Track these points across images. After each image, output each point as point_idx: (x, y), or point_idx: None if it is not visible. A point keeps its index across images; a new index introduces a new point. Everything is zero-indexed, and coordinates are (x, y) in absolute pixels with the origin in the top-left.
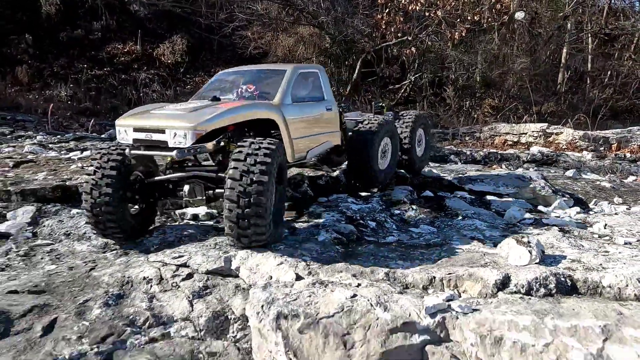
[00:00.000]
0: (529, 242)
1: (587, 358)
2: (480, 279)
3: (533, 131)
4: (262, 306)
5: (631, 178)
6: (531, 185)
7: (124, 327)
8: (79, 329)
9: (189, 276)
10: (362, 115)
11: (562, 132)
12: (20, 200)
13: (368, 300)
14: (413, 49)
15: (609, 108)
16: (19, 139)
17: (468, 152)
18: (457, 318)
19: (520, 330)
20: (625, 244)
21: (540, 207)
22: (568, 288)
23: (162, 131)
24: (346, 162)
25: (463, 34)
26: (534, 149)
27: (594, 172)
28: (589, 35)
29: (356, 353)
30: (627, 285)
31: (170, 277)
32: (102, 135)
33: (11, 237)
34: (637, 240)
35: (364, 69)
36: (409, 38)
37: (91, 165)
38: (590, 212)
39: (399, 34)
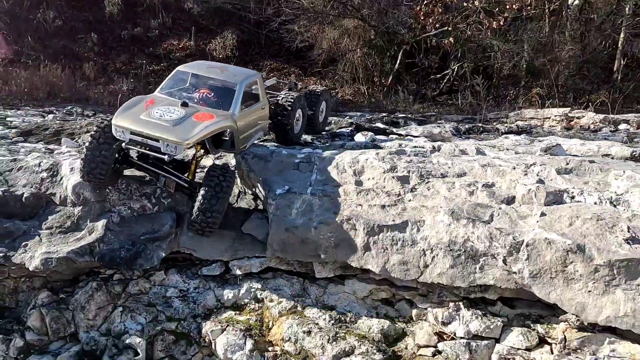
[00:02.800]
0: (367, 134)
1: (351, 161)
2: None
3: (555, 115)
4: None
5: None
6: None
7: None
8: None
9: None
10: (279, 84)
11: (583, 116)
12: None
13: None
14: (451, 39)
15: None
16: None
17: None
18: (315, 155)
19: (335, 155)
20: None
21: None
22: (371, 147)
23: (157, 140)
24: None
25: (501, 23)
26: (515, 124)
27: None
28: None
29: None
30: (392, 147)
31: None
32: None
33: None
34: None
35: (407, 59)
36: (449, 29)
37: (96, 131)
38: None
39: (437, 25)
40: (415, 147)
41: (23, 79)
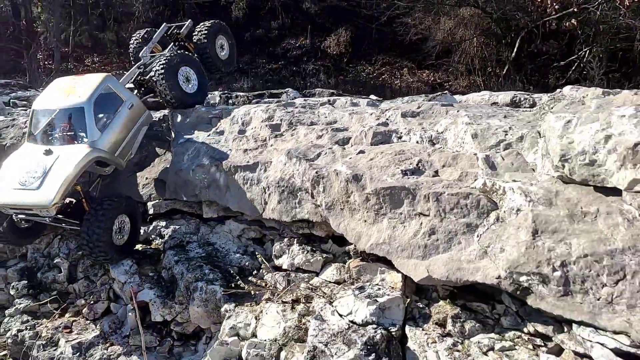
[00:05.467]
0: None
1: (244, 113)
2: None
3: None
4: None
5: None
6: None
7: None
8: None
9: None
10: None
11: None
12: None
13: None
14: (574, 21)
15: None
16: None
17: None
18: (225, 110)
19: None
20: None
21: None
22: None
23: (30, 208)
24: None
25: None
26: None
27: None
28: None
29: None
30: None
31: None
32: None
33: None
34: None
35: (528, 47)
36: (574, 10)
37: None
38: None
39: (556, 7)
40: (313, 101)
41: None
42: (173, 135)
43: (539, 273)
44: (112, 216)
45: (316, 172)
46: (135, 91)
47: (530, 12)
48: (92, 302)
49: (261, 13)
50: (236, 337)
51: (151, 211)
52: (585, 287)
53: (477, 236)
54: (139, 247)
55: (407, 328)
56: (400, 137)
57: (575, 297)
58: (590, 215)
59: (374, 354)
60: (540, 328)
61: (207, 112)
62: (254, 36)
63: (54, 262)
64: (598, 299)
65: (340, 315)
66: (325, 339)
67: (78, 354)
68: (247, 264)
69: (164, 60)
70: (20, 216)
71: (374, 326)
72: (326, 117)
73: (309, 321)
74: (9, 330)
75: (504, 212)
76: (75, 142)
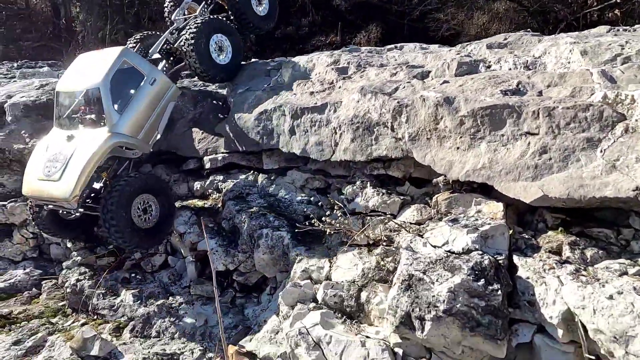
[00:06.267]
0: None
1: (306, 60)
2: None
3: None
4: None
5: None
6: None
7: None
8: None
9: None
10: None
11: None
12: None
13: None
14: (617, 12)
15: None
16: None
17: None
18: (284, 62)
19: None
20: None
21: None
22: None
23: (54, 201)
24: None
25: None
26: None
27: None
28: None
29: None
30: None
31: None
32: None
33: None
34: None
35: None
36: (617, 1)
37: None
38: None
39: None
40: (379, 48)
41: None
42: (230, 89)
43: None
44: (127, 197)
45: (398, 102)
46: (164, 61)
47: (570, 3)
48: (149, 254)
49: (292, 10)
50: (308, 281)
51: (207, 166)
52: None
53: (601, 151)
54: (196, 201)
55: (514, 257)
56: (489, 67)
57: None
58: None
59: (482, 280)
60: None
61: (265, 64)
62: (285, 33)
63: None
64: None
65: (434, 247)
66: (422, 267)
67: (139, 301)
68: (312, 213)
69: (195, 27)
70: (49, 207)
71: (480, 252)
72: (396, 59)
73: (389, 262)
74: (67, 280)
75: (636, 120)
76: (95, 125)
